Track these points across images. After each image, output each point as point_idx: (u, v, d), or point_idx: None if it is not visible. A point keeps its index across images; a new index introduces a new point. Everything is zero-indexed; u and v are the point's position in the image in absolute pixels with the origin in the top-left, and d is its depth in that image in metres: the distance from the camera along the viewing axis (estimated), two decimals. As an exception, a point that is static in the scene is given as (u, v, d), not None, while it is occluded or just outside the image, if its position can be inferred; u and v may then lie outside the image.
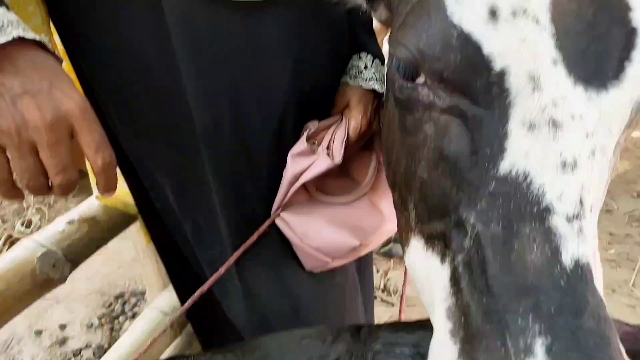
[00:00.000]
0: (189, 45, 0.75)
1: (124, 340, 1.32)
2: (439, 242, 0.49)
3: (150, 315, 1.35)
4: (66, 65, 0.81)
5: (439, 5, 0.46)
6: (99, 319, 2.14)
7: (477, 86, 0.45)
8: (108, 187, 0.63)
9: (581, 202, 0.42)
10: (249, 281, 0.93)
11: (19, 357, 1.98)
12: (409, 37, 0.48)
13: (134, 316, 2.14)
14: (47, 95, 0.56)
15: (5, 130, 0.54)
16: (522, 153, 0.43)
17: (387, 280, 2.38)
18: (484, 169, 0.45)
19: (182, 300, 1.16)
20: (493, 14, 0.43)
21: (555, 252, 0.40)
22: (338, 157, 0.83)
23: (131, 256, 2.28)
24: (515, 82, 0.43)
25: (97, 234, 1.00)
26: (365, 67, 0.88)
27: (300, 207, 0.89)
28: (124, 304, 2.20)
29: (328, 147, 0.84)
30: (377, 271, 2.42)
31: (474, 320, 0.42)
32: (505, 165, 0.43)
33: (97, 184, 0.62)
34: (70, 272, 0.94)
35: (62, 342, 2.04)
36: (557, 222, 0.41)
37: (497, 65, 0.44)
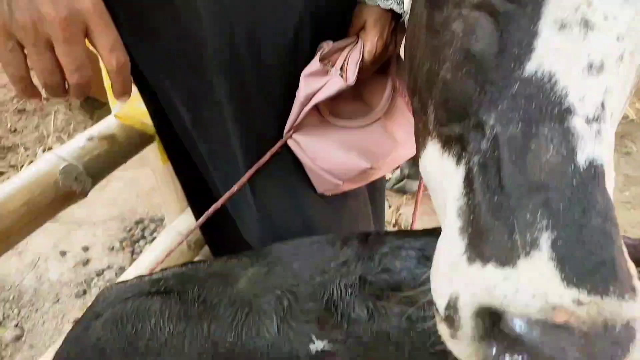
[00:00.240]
0: None
1: (144, 258, 1.39)
2: (456, 144, 0.49)
3: (169, 235, 1.41)
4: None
5: None
6: (120, 242, 2.23)
7: None
8: (123, 90, 0.64)
9: (602, 106, 0.42)
10: (262, 200, 0.96)
11: (46, 275, 2.10)
12: None
13: (153, 241, 2.23)
14: None
15: (22, 24, 0.56)
16: (550, 53, 0.42)
17: (399, 215, 2.42)
18: (509, 69, 0.44)
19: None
20: None
21: (571, 152, 0.40)
22: (351, 78, 0.82)
23: (150, 184, 2.35)
24: None
25: (116, 151, 1.03)
26: (384, -15, 0.86)
27: (313, 129, 0.90)
28: (143, 229, 2.28)
29: (342, 69, 0.84)
30: (390, 206, 2.45)
31: (484, 217, 0.42)
32: (531, 66, 0.43)
33: (112, 87, 0.64)
34: (91, 187, 0.97)
35: (86, 262, 2.15)
36: (577, 122, 0.41)
37: None
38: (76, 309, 1.95)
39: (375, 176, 0.98)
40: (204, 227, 1.25)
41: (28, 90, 0.62)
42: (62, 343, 0.83)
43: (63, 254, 2.18)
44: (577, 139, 0.41)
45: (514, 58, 0.44)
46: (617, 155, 2.69)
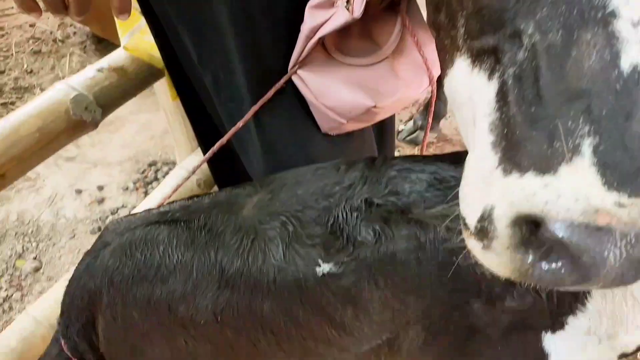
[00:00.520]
0: None
1: (155, 195, 1.43)
2: (489, 58, 0.47)
3: (179, 173, 1.44)
4: None
5: None
6: (134, 183, 2.29)
7: None
8: (122, 7, 0.65)
9: None
10: (266, 136, 0.98)
11: (62, 212, 2.17)
12: None
13: (165, 182, 2.28)
14: None
15: None
16: None
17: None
18: None
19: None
20: None
21: (615, 57, 0.39)
22: (358, 11, 0.81)
23: (163, 127, 2.37)
24: None
25: (126, 83, 1.05)
26: None
27: (318, 65, 0.90)
28: (156, 171, 2.33)
29: (348, 1, 0.83)
30: (401, 158, 2.45)
31: (520, 129, 0.41)
32: None
33: (111, 4, 0.64)
34: (102, 118, 1.00)
35: (101, 201, 2.21)
36: (622, 26, 0.39)
37: None
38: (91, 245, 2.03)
39: (380, 116, 0.98)
40: (211, 165, 1.28)
41: (27, 4, 0.63)
42: (74, 271, 0.85)
43: (79, 192, 2.24)
44: (621, 43, 0.39)
45: None
46: None
